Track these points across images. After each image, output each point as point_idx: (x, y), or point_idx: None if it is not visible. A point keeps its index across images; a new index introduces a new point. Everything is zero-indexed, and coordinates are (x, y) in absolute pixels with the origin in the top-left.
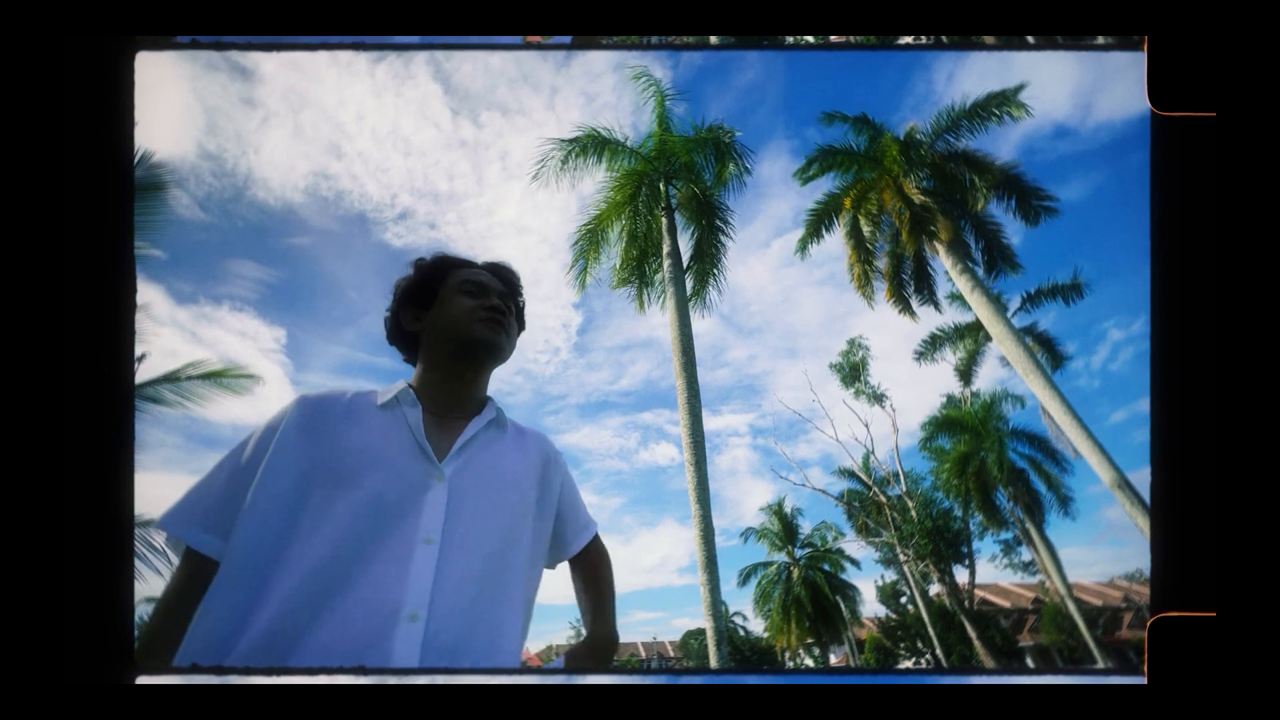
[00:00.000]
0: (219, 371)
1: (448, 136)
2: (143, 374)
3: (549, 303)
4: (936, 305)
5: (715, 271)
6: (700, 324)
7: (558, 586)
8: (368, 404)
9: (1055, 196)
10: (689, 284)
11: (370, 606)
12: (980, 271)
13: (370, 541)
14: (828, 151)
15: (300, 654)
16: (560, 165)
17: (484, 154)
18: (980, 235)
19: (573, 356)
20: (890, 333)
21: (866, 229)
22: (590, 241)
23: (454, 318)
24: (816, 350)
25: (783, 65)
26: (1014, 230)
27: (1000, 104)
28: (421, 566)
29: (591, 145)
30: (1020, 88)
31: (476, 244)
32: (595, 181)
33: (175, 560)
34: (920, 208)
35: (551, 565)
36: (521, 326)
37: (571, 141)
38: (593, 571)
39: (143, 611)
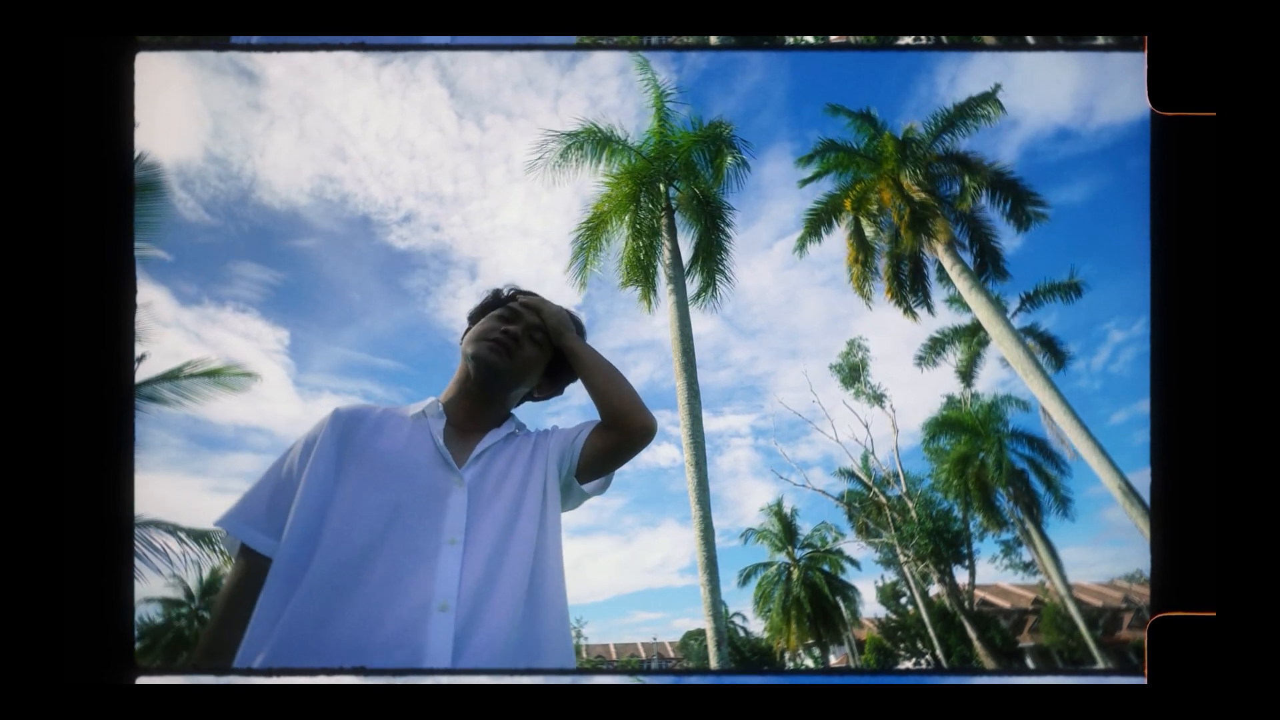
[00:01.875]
0: (217, 370)
1: (452, 140)
2: (143, 373)
3: None
4: (930, 309)
5: (717, 272)
6: (702, 325)
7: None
8: (398, 417)
9: (1047, 202)
10: (692, 285)
11: (403, 599)
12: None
13: (397, 541)
14: (831, 145)
15: (337, 644)
16: (560, 158)
17: (488, 157)
18: (975, 239)
19: None
20: (890, 334)
21: (867, 229)
22: (591, 239)
23: (472, 335)
24: (818, 351)
25: (785, 69)
26: (1014, 233)
27: (981, 104)
28: (447, 564)
29: (590, 141)
30: (996, 88)
31: (480, 246)
32: (596, 181)
33: (212, 561)
34: (920, 206)
35: (595, 481)
36: (556, 388)
37: (571, 135)
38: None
39: (143, 612)
